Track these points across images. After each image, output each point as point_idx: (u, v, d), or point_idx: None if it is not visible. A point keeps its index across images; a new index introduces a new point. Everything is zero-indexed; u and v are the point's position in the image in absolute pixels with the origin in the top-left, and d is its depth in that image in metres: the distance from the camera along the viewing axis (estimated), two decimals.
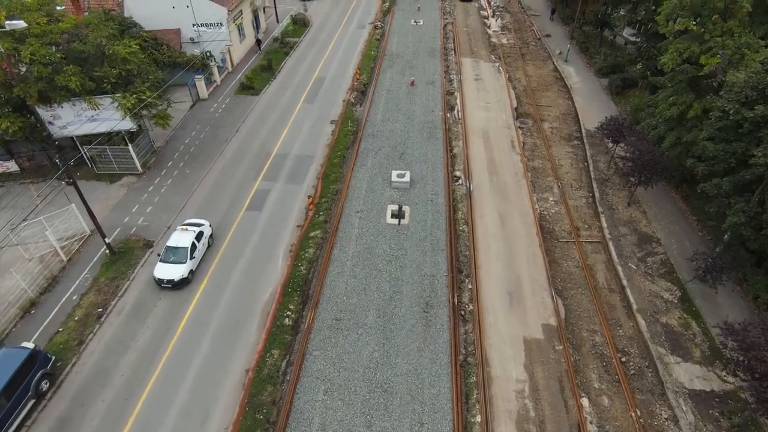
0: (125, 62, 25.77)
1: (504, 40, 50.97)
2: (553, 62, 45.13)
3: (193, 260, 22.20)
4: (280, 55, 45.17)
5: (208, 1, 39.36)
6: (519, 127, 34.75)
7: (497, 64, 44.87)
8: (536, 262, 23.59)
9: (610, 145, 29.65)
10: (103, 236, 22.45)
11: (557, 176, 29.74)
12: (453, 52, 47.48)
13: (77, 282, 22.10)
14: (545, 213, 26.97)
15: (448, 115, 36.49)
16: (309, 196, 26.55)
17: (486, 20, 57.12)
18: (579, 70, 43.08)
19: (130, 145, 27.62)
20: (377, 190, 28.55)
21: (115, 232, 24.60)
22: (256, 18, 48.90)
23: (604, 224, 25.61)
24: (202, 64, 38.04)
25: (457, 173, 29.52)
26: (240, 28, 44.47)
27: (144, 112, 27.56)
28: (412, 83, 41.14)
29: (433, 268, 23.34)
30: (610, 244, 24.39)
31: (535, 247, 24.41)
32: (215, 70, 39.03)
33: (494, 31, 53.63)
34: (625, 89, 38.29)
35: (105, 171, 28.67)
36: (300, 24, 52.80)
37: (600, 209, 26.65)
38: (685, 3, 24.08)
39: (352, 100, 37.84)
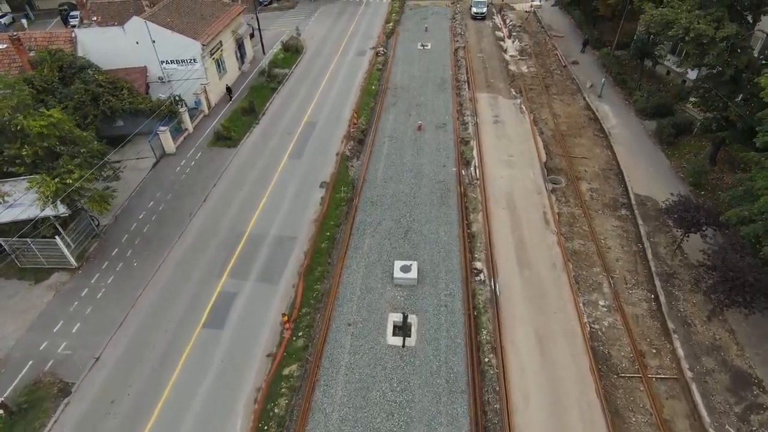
0: (42, 137, 19.71)
1: (524, 68, 44.48)
2: (584, 97, 38.55)
3: None
4: (265, 93, 39.04)
5: (178, 35, 33.39)
6: (551, 190, 28.26)
7: (519, 101, 38.38)
8: (593, 419, 17.11)
9: (677, 231, 22.89)
10: None
11: (606, 265, 23.22)
12: (466, 84, 41.07)
13: None
14: (596, 327, 20.44)
15: (464, 172, 30.07)
16: (284, 315, 20.17)
17: (502, 42, 50.68)
18: (616, 108, 36.45)
19: (57, 237, 21.51)
20: (375, 288, 22.22)
21: (24, 369, 18.46)
22: (240, 47, 42.88)
23: (679, 350, 19.04)
24: (169, 111, 32.02)
25: (478, 264, 23.08)
26: (219, 62, 38.45)
27: (75, 196, 21.53)
28: (420, 127, 34.82)
29: (451, 426, 16.94)
30: (693, 386, 17.84)
31: (590, 391, 17.90)
32: (186, 117, 32.96)
33: (512, 56, 47.16)
34: (678, 136, 31.59)
35: (30, 265, 22.66)
36: (292, 51, 46.69)
37: (670, 324, 20.09)
38: None
39: (348, 152, 31.56)
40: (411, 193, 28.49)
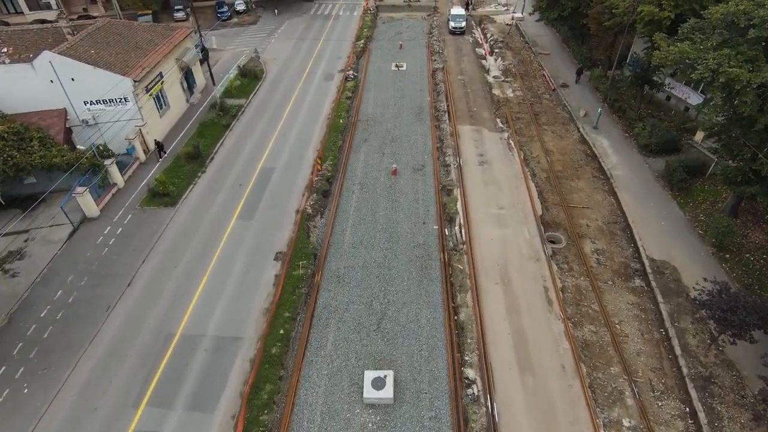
0: None
1: (509, 92, 40.15)
2: (578, 128, 34.35)
3: None
4: (216, 130, 33.69)
5: (102, 71, 27.88)
6: (550, 255, 23.81)
7: (506, 135, 33.94)
8: None
9: (713, 325, 18.44)
10: None
11: (625, 363, 18.82)
12: (447, 114, 36.50)
13: None
14: None
15: (447, 231, 25.43)
16: None
17: (483, 61, 46.32)
18: (615, 143, 32.30)
19: None
20: (340, 412, 17.31)
21: None
22: (188, 75, 37.40)
23: None
24: (91, 164, 26.52)
25: (469, 372, 18.39)
26: (160, 97, 32.95)
27: None
28: (395, 172, 30.03)
29: None
30: None
31: None
32: (113, 170, 27.42)
33: (495, 77, 42.81)
34: (690, 178, 27.48)
35: None
36: (250, 77, 41.34)
37: None
38: None
39: (310, 209, 26.55)
40: (385, 262, 23.68)
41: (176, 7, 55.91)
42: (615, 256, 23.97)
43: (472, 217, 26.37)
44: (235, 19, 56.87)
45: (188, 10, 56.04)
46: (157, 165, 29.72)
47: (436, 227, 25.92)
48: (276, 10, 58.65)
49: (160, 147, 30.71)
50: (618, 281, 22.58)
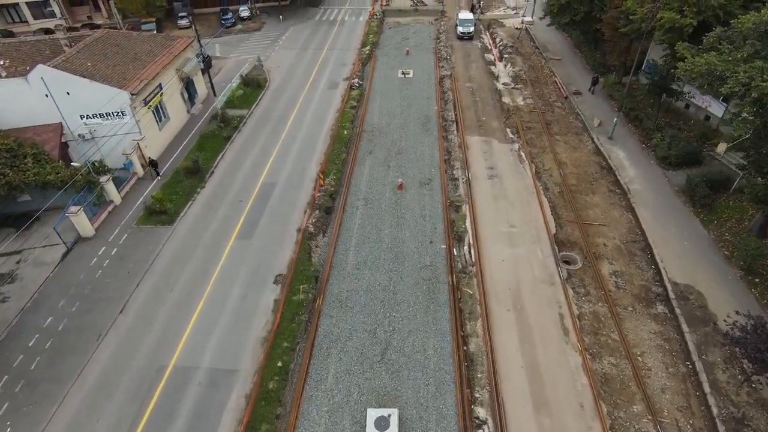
0: None
1: (519, 100, 38.78)
2: (593, 139, 32.90)
3: None
4: (217, 143, 32.76)
5: (99, 85, 27.07)
6: (566, 278, 22.44)
7: (516, 146, 32.59)
8: None
9: (746, 364, 16.99)
10: None
11: (649, 401, 17.38)
12: (454, 124, 35.24)
13: None
14: None
15: (455, 251, 24.15)
16: None
17: (493, 67, 44.98)
18: (632, 155, 30.78)
19: None
20: None
21: None
22: (189, 86, 36.54)
23: None
24: (86, 182, 25.67)
25: (480, 411, 17.10)
26: (159, 109, 32.10)
27: None
28: (400, 186, 28.83)
29: None
30: None
31: None
32: (110, 187, 26.55)
33: (504, 84, 41.47)
34: (713, 193, 25.90)
35: None
36: (253, 86, 40.45)
37: None
38: None
39: (312, 227, 25.44)
40: (390, 285, 22.46)
41: (180, 15, 55.31)
42: (635, 279, 22.53)
43: (482, 235, 25.07)
44: (239, 26, 56.11)
45: (191, 17, 55.42)
46: (154, 182, 28.68)
47: (444, 246, 24.67)
48: (281, 16, 57.83)
49: (154, 166, 29.23)
50: (639, 307, 21.13)
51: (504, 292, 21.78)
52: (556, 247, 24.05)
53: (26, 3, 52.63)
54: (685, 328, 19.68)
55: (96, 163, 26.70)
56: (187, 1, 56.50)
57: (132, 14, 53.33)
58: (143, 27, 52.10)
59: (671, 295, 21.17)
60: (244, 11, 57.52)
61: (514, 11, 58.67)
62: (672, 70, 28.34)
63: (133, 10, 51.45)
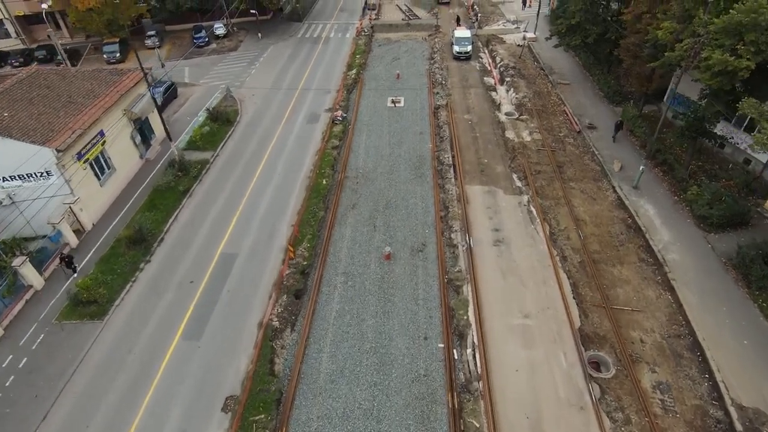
0: None
1: (525, 134, 33.84)
2: (613, 186, 28.01)
3: None
4: (170, 200, 27.60)
5: (11, 141, 21.96)
6: (599, 398, 17.49)
7: (525, 198, 27.65)
8: None
9: None
10: None
11: None
12: (452, 169, 30.33)
13: None
14: None
15: (455, 354, 19.19)
16: None
17: (493, 93, 40.09)
18: (663, 210, 25.87)
19: None
20: None
21: None
22: (143, 131, 31.31)
23: None
24: None
25: None
26: (101, 160, 27.00)
27: None
28: (388, 256, 23.84)
29: None
30: None
31: None
32: (27, 270, 21.39)
33: (508, 114, 36.56)
34: None
35: None
36: (222, 120, 35.37)
37: None
38: None
39: (276, 321, 20.41)
40: (374, 408, 17.44)
41: (148, 33, 50.18)
42: (686, 396, 17.61)
43: (488, 328, 20.10)
44: (213, 46, 50.92)
45: (159, 37, 50.31)
46: (70, 280, 22.24)
47: (442, 345, 19.68)
48: (259, 34, 52.72)
49: (68, 263, 22.41)
50: None
51: (520, 424, 16.79)
52: (582, 349, 19.11)
53: None
54: None
55: (6, 242, 21.56)
56: (157, 18, 51.57)
57: (93, 34, 48.18)
58: (105, 49, 47.00)
59: (737, 425, 16.29)
60: (219, 28, 52.32)
61: (515, 25, 53.76)
62: (711, 114, 23.60)
63: (93, 30, 46.23)
